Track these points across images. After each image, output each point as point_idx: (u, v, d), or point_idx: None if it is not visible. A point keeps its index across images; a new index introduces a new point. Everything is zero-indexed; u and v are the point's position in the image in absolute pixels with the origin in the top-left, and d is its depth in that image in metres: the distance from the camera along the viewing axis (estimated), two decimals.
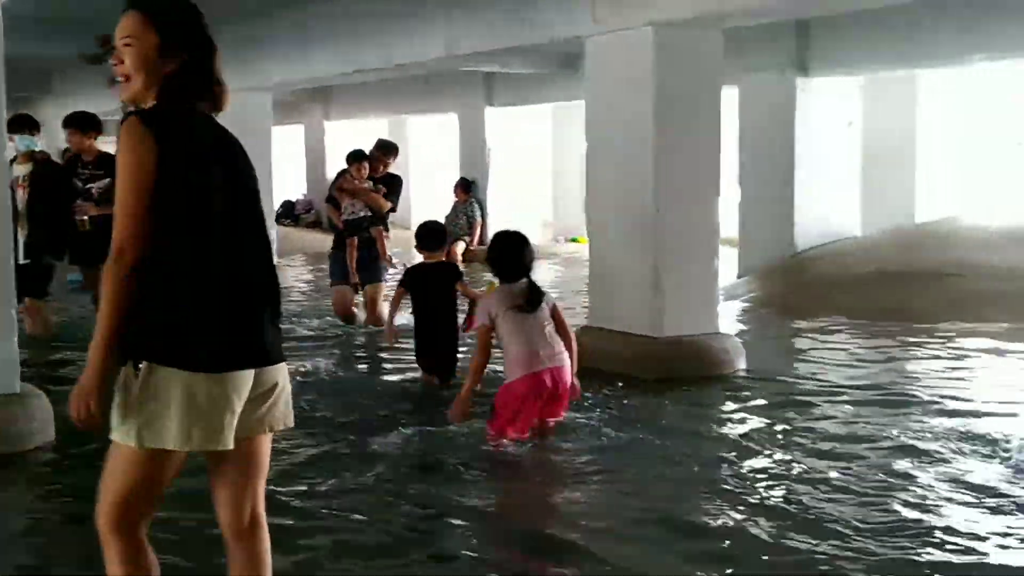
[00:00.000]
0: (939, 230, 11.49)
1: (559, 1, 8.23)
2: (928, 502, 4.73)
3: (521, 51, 10.24)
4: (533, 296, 5.80)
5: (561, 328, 5.82)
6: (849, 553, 4.14)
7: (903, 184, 12.43)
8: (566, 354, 5.76)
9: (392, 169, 9.77)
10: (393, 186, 9.58)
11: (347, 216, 9.38)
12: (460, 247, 15.54)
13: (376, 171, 9.55)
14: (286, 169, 19.01)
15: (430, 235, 7.38)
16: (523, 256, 5.94)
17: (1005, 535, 4.34)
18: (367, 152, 9.56)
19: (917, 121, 12.55)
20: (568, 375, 5.75)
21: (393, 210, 9.58)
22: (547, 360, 5.65)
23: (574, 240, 16.83)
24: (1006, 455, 5.39)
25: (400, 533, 4.44)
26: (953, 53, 10.42)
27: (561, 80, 14.19)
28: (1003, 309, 9.33)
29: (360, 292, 9.47)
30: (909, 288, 10.04)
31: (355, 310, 9.55)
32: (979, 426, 5.97)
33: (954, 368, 7.81)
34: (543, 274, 13.86)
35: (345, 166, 9.57)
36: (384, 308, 8.96)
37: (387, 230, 9.57)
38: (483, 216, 16.36)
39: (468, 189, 16.53)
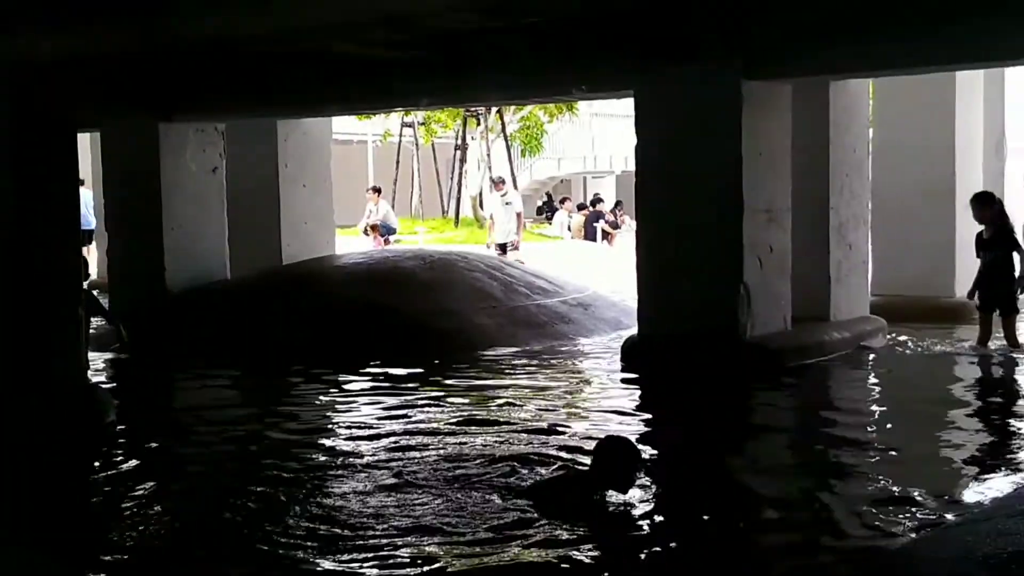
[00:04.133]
0: (304, 270, 12.15)
1: None
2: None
3: None
4: None
5: None
6: None
7: (269, 227, 12.89)
8: None
9: None
10: None
11: None
12: None
13: None
14: None
15: None
16: None
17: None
18: None
19: (280, 166, 13.07)
20: None
21: None
22: None
23: None
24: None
25: None
26: (307, 103, 11.13)
27: None
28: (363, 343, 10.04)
29: None
30: (276, 325, 10.46)
31: None
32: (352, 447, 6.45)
33: (310, 396, 8.33)
34: None
35: None
36: None
37: None
38: None
39: None
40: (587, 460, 5.68)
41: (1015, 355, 9.19)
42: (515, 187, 29.70)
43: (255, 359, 9.77)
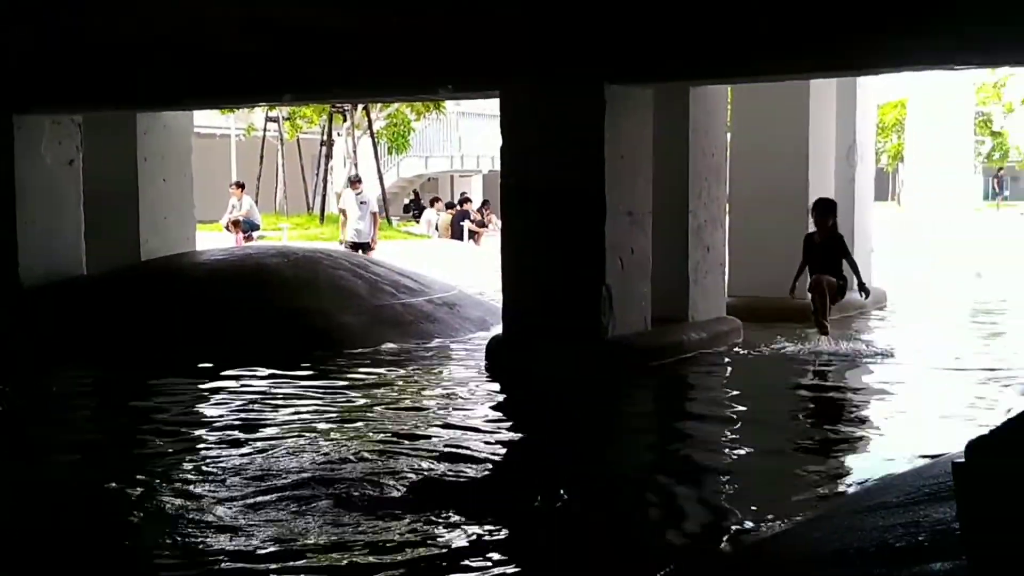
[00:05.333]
0: (167, 266, 11.92)
1: None
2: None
3: None
4: None
5: None
6: None
7: (127, 222, 12.59)
8: None
9: None
10: None
11: None
12: None
13: None
14: None
15: None
16: None
17: None
18: None
19: (139, 160, 12.74)
20: None
21: None
22: None
23: None
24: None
25: None
26: (165, 96, 10.92)
27: None
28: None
29: None
30: (133, 322, 10.24)
31: None
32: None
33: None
34: None
35: None
36: None
37: None
38: None
39: None
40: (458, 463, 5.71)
41: (857, 356, 9.63)
42: (381, 185, 29.63)
43: (111, 356, 9.54)
